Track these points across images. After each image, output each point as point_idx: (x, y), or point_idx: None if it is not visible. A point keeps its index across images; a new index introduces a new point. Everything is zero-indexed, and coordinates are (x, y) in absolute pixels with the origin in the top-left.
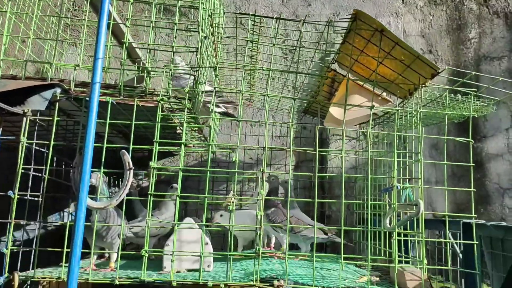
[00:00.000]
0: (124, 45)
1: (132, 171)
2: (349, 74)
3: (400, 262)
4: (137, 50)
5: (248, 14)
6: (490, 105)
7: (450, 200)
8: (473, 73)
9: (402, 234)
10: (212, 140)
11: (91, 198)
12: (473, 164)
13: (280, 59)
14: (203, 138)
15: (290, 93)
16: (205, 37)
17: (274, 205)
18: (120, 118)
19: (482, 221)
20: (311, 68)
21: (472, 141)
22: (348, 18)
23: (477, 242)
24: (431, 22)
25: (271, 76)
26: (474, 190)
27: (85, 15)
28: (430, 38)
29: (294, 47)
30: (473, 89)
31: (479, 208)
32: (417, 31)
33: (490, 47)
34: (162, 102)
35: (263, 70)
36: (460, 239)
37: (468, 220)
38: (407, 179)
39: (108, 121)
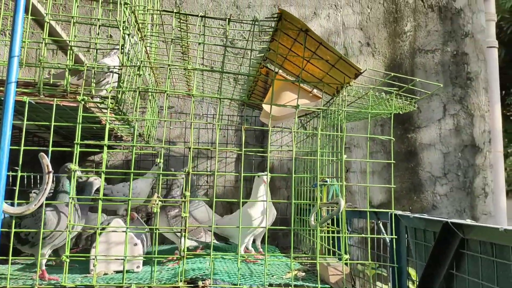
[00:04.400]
0: (44, 41)
1: (51, 174)
2: (280, 71)
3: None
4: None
5: (172, 12)
6: (412, 103)
7: (385, 189)
8: (392, 74)
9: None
10: (137, 140)
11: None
12: (394, 162)
13: (221, 50)
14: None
15: (230, 84)
16: (128, 35)
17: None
18: (46, 117)
19: (407, 213)
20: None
21: (393, 139)
22: (274, 17)
23: (396, 237)
24: (369, 15)
25: (212, 67)
26: (394, 186)
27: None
28: (368, 30)
29: (223, 45)
30: (395, 89)
31: (413, 196)
32: (355, 23)
33: (424, 40)
34: (83, 102)
35: (188, 69)
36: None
37: (395, 212)
38: (335, 175)
39: (25, 122)
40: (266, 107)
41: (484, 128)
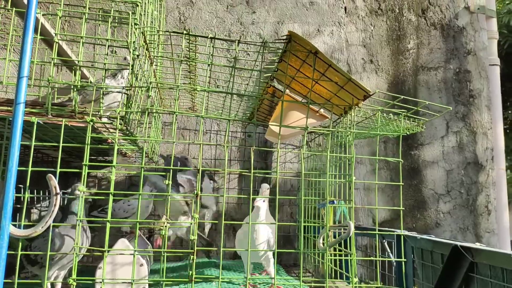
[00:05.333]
0: (53, 61)
1: (59, 196)
2: (287, 91)
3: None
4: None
5: (182, 33)
6: (420, 124)
7: (389, 206)
8: (401, 96)
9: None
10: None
11: None
12: (402, 184)
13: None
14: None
15: (236, 101)
16: (137, 56)
17: None
18: (52, 135)
19: (414, 234)
20: (255, 79)
21: (402, 161)
22: (283, 39)
23: (405, 260)
24: (372, 32)
25: (216, 85)
26: (403, 208)
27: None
28: (371, 48)
29: (231, 67)
30: (403, 110)
31: (416, 214)
32: (359, 40)
33: (427, 57)
34: (92, 123)
35: (198, 90)
36: (395, 248)
37: (400, 233)
38: (343, 196)
39: (33, 143)
40: (273, 126)
41: (487, 146)
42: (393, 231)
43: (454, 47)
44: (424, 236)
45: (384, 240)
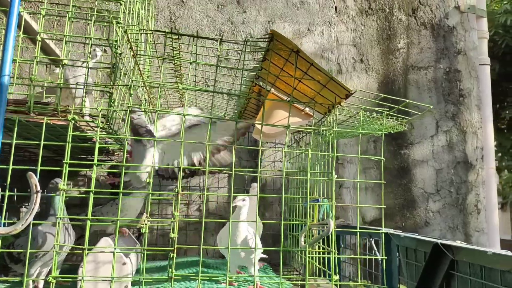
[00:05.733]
0: (36, 59)
1: (39, 194)
2: (272, 90)
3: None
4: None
5: (165, 32)
6: (404, 123)
7: (379, 205)
8: (382, 95)
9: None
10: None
11: None
12: (384, 182)
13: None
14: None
15: (224, 99)
16: (120, 54)
17: None
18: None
19: (399, 232)
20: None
21: (384, 159)
22: (265, 38)
23: (386, 258)
24: (362, 32)
25: (206, 84)
26: (384, 207)
27: None
28: (362, 47)
29: (215, 65)
30: (385, 109)
31: (405, 213)
32: (349, 40)
33: (417, 57)
34: (73, 121)
35: (179, 88)
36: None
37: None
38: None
39: (14, 141)
40: (258, 125)
41: (477, 145)
42: (378, 229)
43: (444, 46)
44: (408, 234)
45: (371, 239)
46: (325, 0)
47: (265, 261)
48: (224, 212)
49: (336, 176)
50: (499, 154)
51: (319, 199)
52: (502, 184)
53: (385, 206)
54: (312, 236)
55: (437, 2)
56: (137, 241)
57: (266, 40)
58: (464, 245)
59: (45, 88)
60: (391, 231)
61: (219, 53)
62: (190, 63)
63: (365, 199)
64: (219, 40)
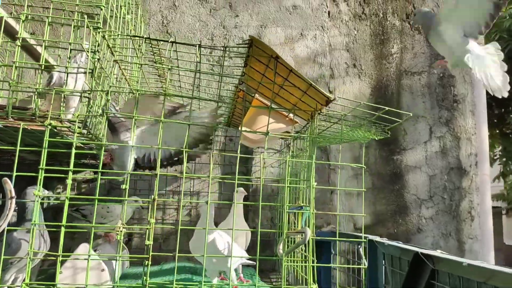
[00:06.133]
0: (14, 64)
1: (14, 200)
2: (257, 95)
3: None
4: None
5: (142, 37)
6: (386, 130)
7: (370, 211)
8: (361, 102)
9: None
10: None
11: None
12: (365, 190)
13: (208, 66)
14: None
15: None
16: (98, 59)
17: None
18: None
19: (385, 240)
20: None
21: (365, 166)
22: (244, 44)
23: (366, 267)
24: (355, 37)
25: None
26: (365, 215)
27: None
28: (355, 52)
29: (194, 71)
30: (366, 116)
31: (398, 219)
32: (342, 45)
33: (411, 62)
34: (50, 126)
35: (157, 94)
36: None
37: (372, 238)
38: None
39: None
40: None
41: (471, 151)
42: (358, 237)
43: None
44: (392, 243)
45: (359, 246)
46: (318, 4)
47: (254, 267)
48: (216, 216)
49: (315, 184)
50: (504, 159)
51: (303, 206)
52: (507, 190)
53: (365, 215)
54: (294, 243)
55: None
56: (125, 247)
57: (246, 46)
58: (444, 255)
59: (35, 93)
60: (377, 238)
61: (197, 59)
62: (169, 69)
63: (356, 205)
64: (197, 46)
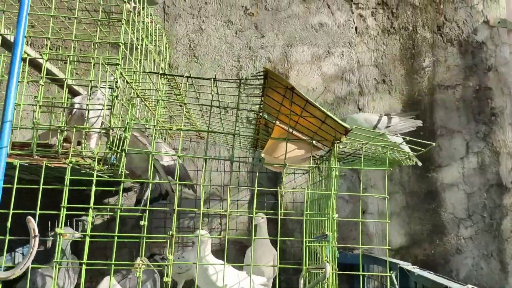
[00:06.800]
0: (38, 103)
1: (37, 238)
2: (277, 123)
3: None
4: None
5: (158, 73)
6: (411, 157)
7: (405, 231)
8: (380, 132)
9: None
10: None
11: None
12: (388, 221)
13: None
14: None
15: (244, 126)
16: (116, 97)
17: None
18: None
19: (416, 268)
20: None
21: (388, 197)
22: (259, 76)
23: None
24: (384, 52)
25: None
26: (389, 248)
27: None
28: (384, 67)
29: (209, 105)
30: (388, 143)
31: (435, 239)
32: (370, 61)
33: (444, 75)
34: (71, 164)
35: (172, 129)
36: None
37: (402, 265)
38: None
39: (15, 186)
40: (264, 156)
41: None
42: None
43: (473, 63)
44: (423, 273)
45: (392, 272)
46: (345, 21)
47: None
48: (245, 240)
49: (336, 215)
50: None
51: (327, 234)
52: None
53: (390, 247)
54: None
55: (464, 17)
56: (155, 270)
57: (260, 77)
58: None
59: (51, 131)
60: (409, 266)
61: (212, 93)
62: (184, 104)
63: (390, 228)
64: (212, 79)
